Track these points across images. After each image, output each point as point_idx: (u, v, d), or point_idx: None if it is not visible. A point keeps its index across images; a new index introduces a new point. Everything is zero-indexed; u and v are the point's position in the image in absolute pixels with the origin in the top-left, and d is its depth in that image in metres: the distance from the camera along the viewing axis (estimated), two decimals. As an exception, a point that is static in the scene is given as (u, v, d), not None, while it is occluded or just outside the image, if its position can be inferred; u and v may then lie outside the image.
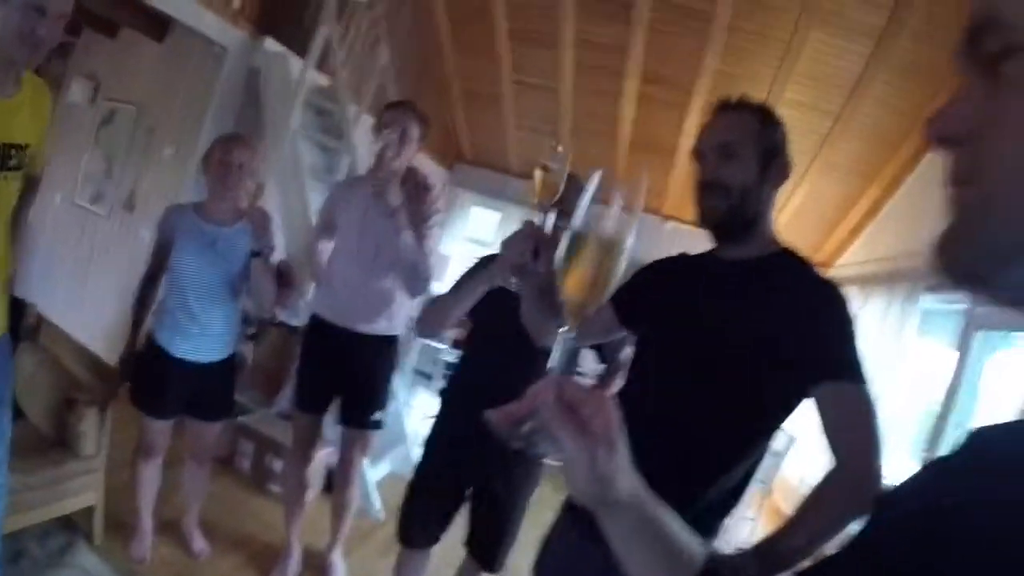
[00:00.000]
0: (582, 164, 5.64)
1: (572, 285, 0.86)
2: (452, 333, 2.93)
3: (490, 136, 7.41)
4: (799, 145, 5.82)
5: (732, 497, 1.65)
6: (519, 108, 6.76)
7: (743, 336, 1.50)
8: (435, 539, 2.59)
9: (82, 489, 2.64)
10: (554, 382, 0.74)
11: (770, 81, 5.52)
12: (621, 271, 0.85)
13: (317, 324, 3.01)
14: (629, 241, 0.84)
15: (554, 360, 2.52)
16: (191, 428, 2.85)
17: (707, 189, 1.61)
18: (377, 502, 3.94)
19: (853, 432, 1.44)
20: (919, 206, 5.52)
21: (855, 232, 6.61)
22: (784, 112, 5.05)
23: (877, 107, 5.31)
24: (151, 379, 2.68)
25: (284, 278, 3.44)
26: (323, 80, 4.68)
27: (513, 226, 7.82)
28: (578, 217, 0.85)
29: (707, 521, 1.63)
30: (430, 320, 2.35)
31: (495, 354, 2.44)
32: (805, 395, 1.50)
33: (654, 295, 1.73)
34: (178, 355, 2.65)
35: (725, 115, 1.65)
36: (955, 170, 0.49)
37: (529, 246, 1.40)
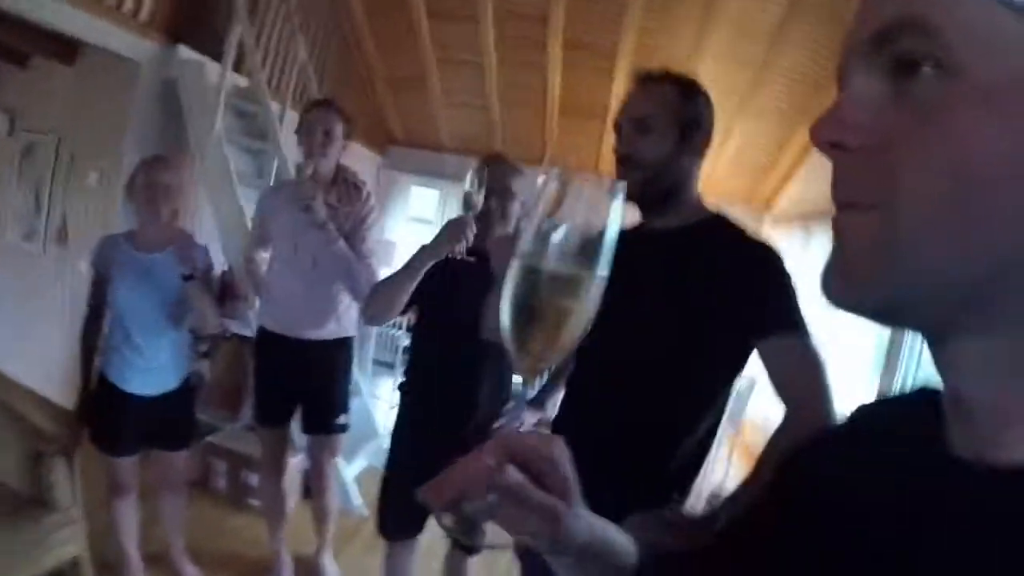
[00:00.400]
0: (512, 134, 5.70)
1: (522, 333, 0.68)
2: (408, 318, 2.92)
3: (420, 116, 7.32)
4: (727, 95, 5.96)
5: (700, 452, 1.70)
6: (446, 85, 6.69)
7: (680, 303, 1.53)
8: (416, 530, 2.63)
9: (64, 542, 2.55)
10: (498, 447, 0.66)
11: (693, 35, 5.55)
12: (589, 315, 0.69)
13: (266, 337, 2.97)
14: (600, 274, 0.67)
15: (506, 412, 2.60)
16: (157, 459, 2.79)
17: (622, 164, 1.64)
18: (358, 498, 3.95)
19: (801, 382, 1.48)
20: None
21: (791, 173, 6.75)
22: (709, 63, 5.15)
23: (800, 52, 5.40)
24: (107, 419, 2.61)
25: (228, 289, 3.38)
26: (242, 81, 4.55)
27: (453, 203, 7.84)
28: (525, 242, 0.65)
29: (679, 479, 1.68)
30: (376, 306, 2.39)
31: (446, 345, 2.47)
32: (750, 352, 1.56)
33: None
34: (130, 391, 2.59)
35: (643, 87, 1.67)
36: (850, 189, 0.46)
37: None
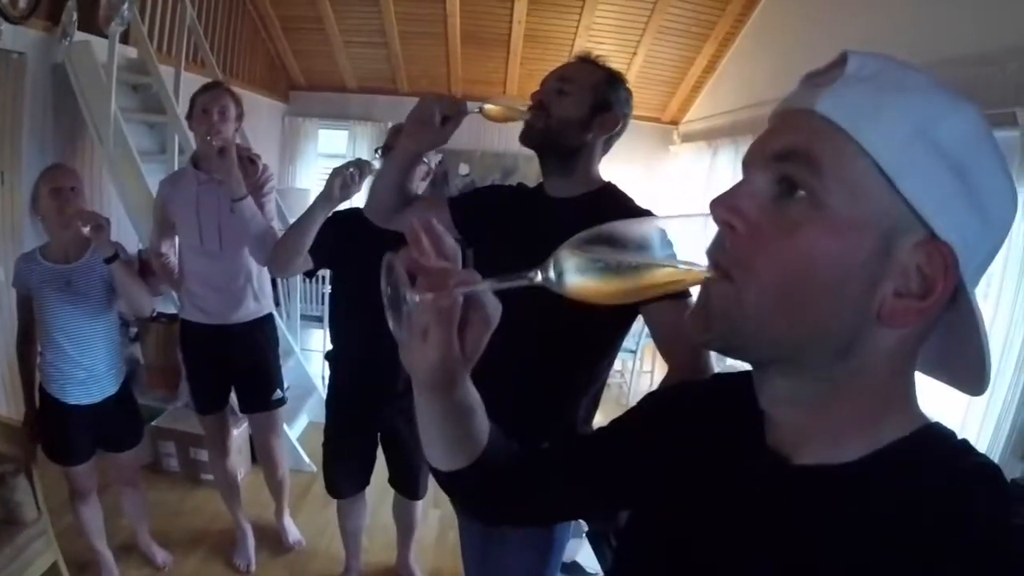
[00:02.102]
0: (415, 68, 5.61)
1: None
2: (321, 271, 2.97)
3: (320, 58, 7.06)
4: (631, 15, 5.99)
5: (596, 400, 1.88)
6: (344, 25, 6.46)
7: None
8: (362, 485, 2.84)
9: (40, 553, 2.54)
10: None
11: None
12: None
13: (190, 328, 2.96)
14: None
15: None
16: (110, 460, 2.78)
17: (534, 110, 1.74)
18: (305, 456, 3.99)
19: (682, 340, 1.60)
20: (753, 59, 5.81)
21: (696, 90, 6.89)
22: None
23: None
24: (56, 432, 2.59)
25: (145, 267, 3.30)
26: (132, 52, 4.30)
27: (363, 143, 7.71)
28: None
29: (584, 415, 1.86)
30: (278, 256, 2.48)
31: (365, 307, 2.52)
32: (635, 312, 1.72)
33: (491, 215, 1.88)
34: (72, 402, 2.55)
35: (578, 63, 1.79)
36: (720, 257, 0.60)
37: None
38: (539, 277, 0.66)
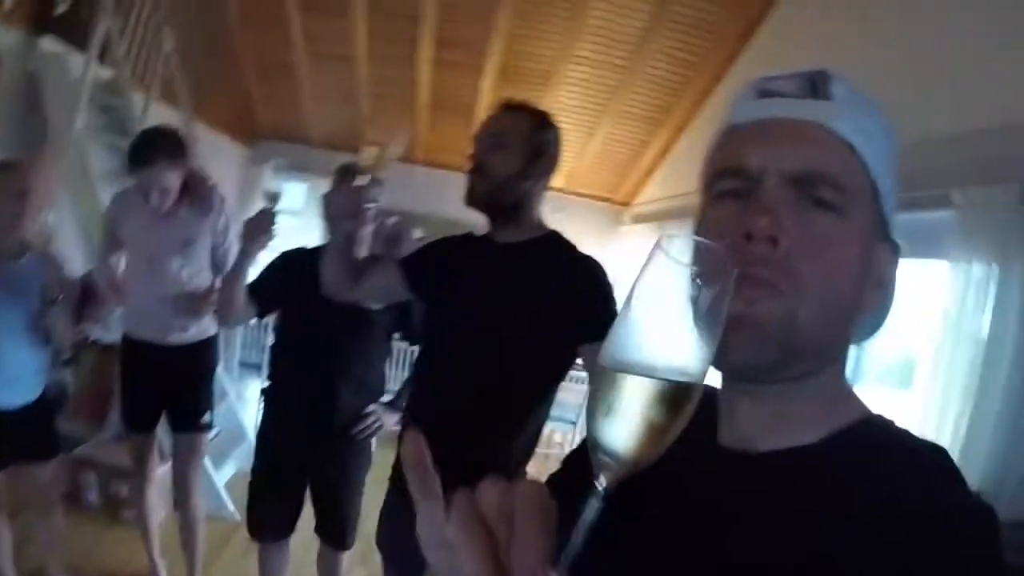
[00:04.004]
0: (381, 129, 5.66)
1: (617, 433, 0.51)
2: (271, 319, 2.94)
3: (288, 109, 7.13)
4: (592, 96, 6.21)
5: (533, 441, 1.93)
6: (315, 79, 6.57)
7: (519, 309, 1.75)
8: (287, 531, 2.74)
9: None
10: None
11: (560, 39, 5.74)
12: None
13: (130, 344, 2.96)
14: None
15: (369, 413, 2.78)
16: (23, 474, 2.66)
17: (475, 172, 1.83)
18: (230, 504, 3.89)
19: None
20: (705, 146, 6.02)
21: (650, 173, 7.12)
22: (575, 67, 5.37)
23: (662, 59, 5.73)
24: None
25: (90, 293, 3.25)
26: (106, 74, 4.30)
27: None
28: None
29: (520, 466, 1.91)
30: (220, 310, 2.55)
31: (305, 348, 2.56)
32: (575, 352, 1.79)
33: (441, 268, 1.94)
34: None
35: (505, 113, 1.88)
36: (769, 275, 0.61)
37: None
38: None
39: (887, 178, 0.67)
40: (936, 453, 0.63)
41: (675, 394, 0.49)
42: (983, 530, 0.57)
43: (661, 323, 0.49)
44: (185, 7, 5.33)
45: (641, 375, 0.49)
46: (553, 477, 0.89)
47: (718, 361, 0.63)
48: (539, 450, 2.00)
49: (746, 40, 5.29)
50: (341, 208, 1.92)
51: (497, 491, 0.45)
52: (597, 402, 0.50)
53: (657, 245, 0.49)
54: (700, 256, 0.49)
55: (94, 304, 3.06)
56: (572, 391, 5.14)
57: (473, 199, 1.84)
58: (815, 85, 0.67)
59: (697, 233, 0.70)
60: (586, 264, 1.83)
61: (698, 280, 0.48)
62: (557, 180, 6.61)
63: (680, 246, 0.49)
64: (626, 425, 0.50)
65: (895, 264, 0.71)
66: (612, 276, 1.83)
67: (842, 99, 0.66)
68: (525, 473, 1.94)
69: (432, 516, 0.48)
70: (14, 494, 2.68)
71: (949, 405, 2.94)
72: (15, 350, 2.48)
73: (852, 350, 0.71)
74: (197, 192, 2.86)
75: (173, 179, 2.70)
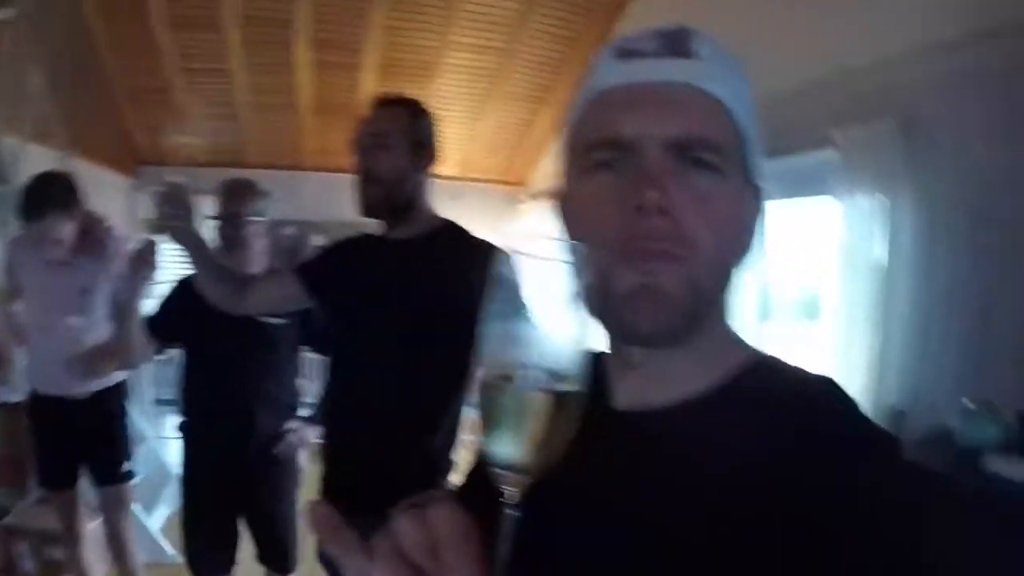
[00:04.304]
0: (265, 140, 5.53)
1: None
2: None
3: (168, 131, 6.82)
4: (475, 82, 6.22)
5: (453, 433, 1.95)
6: (193, 97, 6.30)
7: (422, 302, 1.77)
8: (228, 564, 2.68)
9: None
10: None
11: (437, 28, 5.71)
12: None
13: (36, 399, 2.86)
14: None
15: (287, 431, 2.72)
16: None
17: (364, 181, 1.83)
18: (168, 547, 3.77)
19: None
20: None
21: (540, 151, 7.19)
22: (455, 55, 5.36)
23: (539, 38, 5.80)
24: None
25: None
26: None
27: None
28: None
29: (441, 459, 1.93)
30: (122, 357, 2.52)
31: (215, 376, 2.52)
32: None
33: (338, 272, 1.94)
34: None
35: (379, 110, 1.87)
36: (665, 243, 0.62)
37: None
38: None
39: (751, 127, 0.69)
40: (827, 386, 0.66)
41: (561, 399, 0.48)
42: (885, 456, 0.60)
43: (532, 332, 0.49)
44: (48, 40, 5.03)
45: (522, 386, 0.48)
46: (463, 489, 0.87)
47: (618, 333, 0.69)
48: (466, 437, 2.01)
49: (620, 12, 5.41)
50: (168, 210, 1.82)
51: (414, 525, 0.45)
52: (484, 418, 0.50)
53: (516, 249, 0.50)
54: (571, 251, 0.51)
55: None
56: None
57: (368, 208, 1.84)
58: (677, 43, 0.67)
59: (573, 208, 0.71)
60: (485, 249, 1.85)
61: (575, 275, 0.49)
62: (451, 168, 6.63)
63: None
64: (517, 439, 0.49)
65: (761, 207, 0.73)
66: (513, 256, 1.86)
67: (707, 56, 0.66)
68: (450, 465, 1.95)
69: (358, 568, 0.48)
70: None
71: (855, 334, 3.13)
72: None
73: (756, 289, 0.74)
74: (93, 238, 2.74)
75: (66, 229, 2.61)
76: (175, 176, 1.85)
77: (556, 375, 0.48)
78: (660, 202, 0.61)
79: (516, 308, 0.49)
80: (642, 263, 0.62)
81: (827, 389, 0.65)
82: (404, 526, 0.46)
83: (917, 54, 2.96)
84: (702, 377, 0.68)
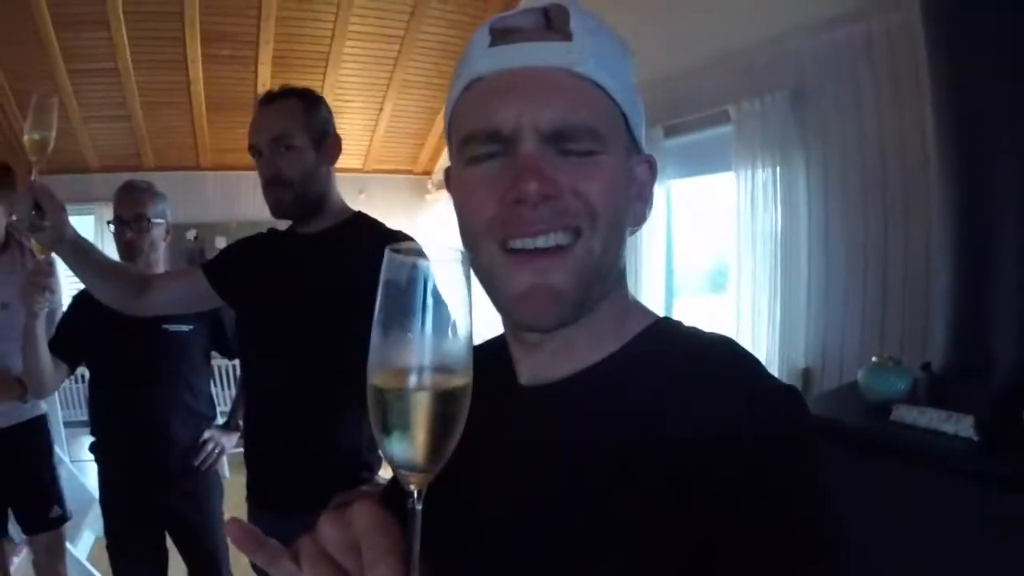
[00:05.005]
0: (162, 140, 5.32)
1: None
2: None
3: (60, 137, 6.41)
4: (373, 71, 6.15)
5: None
6: (83, 98, 6.00)
7: (337, 296, 1.74)
8: None
9: None
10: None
11: (332, 17, 5.67)
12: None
13: None
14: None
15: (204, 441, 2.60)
16: None
17: (271, 185, 1.77)
18: (97, 574, 3.63)
19: None
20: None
21: (442, 139, 7.13)
22: (352, 44, 5.30)
23: (436, 25, 5.83)
24: None
25: None
26: None
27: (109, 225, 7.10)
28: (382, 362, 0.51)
29: (363, 470, 1.88)
30: (31, 385, 2.42)
31: (124, 393, 2.44)
32: None
33: (246, 269, 1.91)
34: None
35: (271, 107, 1.79)
36: (559, 224, 0.63)
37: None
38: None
39: (633, 102, 0.69)
40: (725, 343, 0.67)
41: (448, 398, 0.50)
42: (788, 406, 0.60)
43: (415, 332, 0.49)
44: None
45: (410, 389, 0.49)
46: (392, 482, 0.86)
47: (514, 323, 0.70)
48: None
49: (515, -4, 5.45)
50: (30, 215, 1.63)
51: (335, 526, 0.48)
52: (376, 421, 0.51)
53: (388, 255, 0.51)
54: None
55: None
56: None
57: (283, 211, 1.78)
58: (553, 20, 0.66)
59: (459, 198, 0.70)
60: (396, 238, 1.84)
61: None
62: (355, 160, 6.52)
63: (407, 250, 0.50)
64: (411, 440, 0.50)
65: (652, 175, 0.74)
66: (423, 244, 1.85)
67: (582, 35, 0.65)
68: (375, 460, 1.91)
69: (287, 573, 0.50)
70: None
71: (761, 302, 3.28)
72: None
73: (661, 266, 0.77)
74: (15, 246, 2.58)
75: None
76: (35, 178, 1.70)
77: (446, 371, 0.49)
78: (539, 192, 0.61)
79: (403, 311, 0.49)
80: (532, 261, 0.63)
81: (725, 345, 0.67)
82: (324, 527, 0.48)
83: (804, 28, 3.11)
84: (603, 345, 0.69)
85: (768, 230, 3.29)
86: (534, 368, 0.72)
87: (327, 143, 1.79)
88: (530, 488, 0.65)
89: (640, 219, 0.73)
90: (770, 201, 3.27)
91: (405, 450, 0.50)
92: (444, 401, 0.50)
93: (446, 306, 0.49)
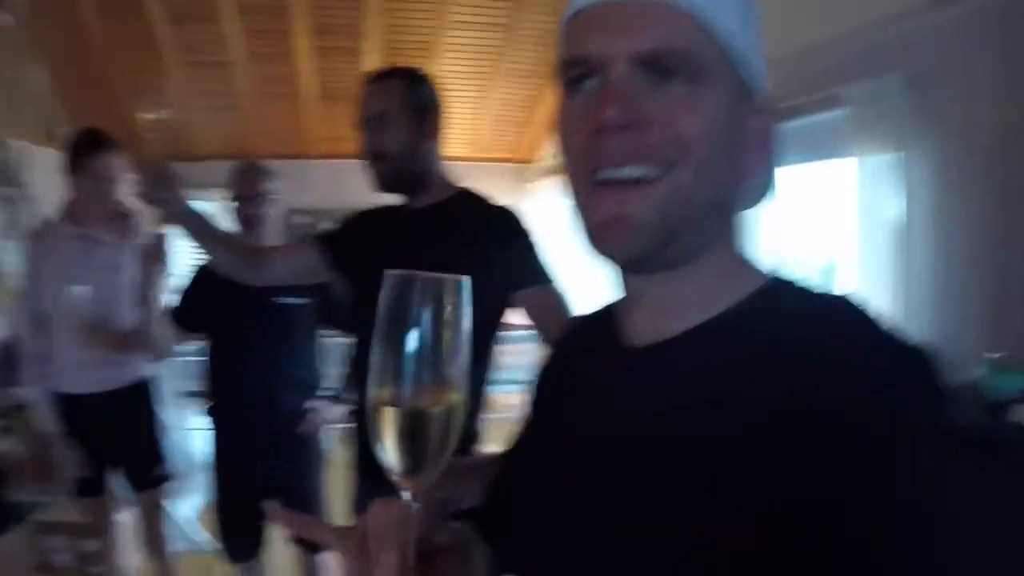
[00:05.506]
0: (271, 130, 5.52)
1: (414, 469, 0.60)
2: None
3: (174, 126, 6.80)
4: (478, 60, 6.19)
5: (478, 398, 1.91)
6: (195, 90, 6.30)
7: (439, 270, 1.73)
8: (256, 547, 2.74)
9: None
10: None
11: (435, 7, 5.69)
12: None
13: (62, 400, 2.75)
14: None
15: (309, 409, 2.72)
16: None
17: (372, 161, 1.81)
18: (202, 536, 3.83)
19: (557, 320, 1.74)
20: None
21: (547, 126, 7.13)
22: (455, 33, 5.34)
23: (543, 12, 5.73)
24: None
25: (12, 355, 3.11)
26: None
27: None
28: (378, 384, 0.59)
29: (466, 427, 1.89)
30: (147, 349, 2.61)
31: (239, 359, 2.53)
32: (507, 303, 1.81)
33: (359, 241, 1.92)
34: None
35: (373, 86, 1.84)
36: (644, 158, 0.60)
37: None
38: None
39: (742, 39, 0.64)
40: (846, 304, 0.63)
41: (442, 413, 0.55)
42: (914, 362, 0.57)
43: (411, 349, 0.55)
44: (51, 41, 5.06)
45: (402, 407, 0.54)
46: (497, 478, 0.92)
47: (593, 253, 0.67)
48: (496, 416, 2.00)
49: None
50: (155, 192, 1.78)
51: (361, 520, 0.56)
52: (373, 432, 0.57)
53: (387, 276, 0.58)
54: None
55: (17, 368, 2.92)
56: (519, 353, 5.16)
57: (384, 185, 1.83)
58: None
59: (556, 133, 0.69)
60: (503, 213, 1.86)
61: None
62: (458, 149, 6.57)
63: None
64: (405, 450, 0.56)
65: (770, 131, 0.68)
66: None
67: None
68: (476, 435, 1.93)
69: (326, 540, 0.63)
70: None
71: (875, 293, 3.10)
72: None
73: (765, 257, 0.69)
74: (122, 217, 2.76)
75: (119, 171, 2.63)
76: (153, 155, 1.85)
77: (442, 387, 0.55)
78: (620, 119, 0.59)
79: (400, 328, 0.56)
80: (608, 194, 0.62)
81: (846, 306, 0.63)
82: (373, 509, 0.58)
83: (919, 6, 2.93)
84: (712, 302, 0.65)
85: (885, 218, 3.12)
86: (639, 328, 0.70)
87: (429, 119, 1.81)
88: (633, 451, 0.63)
89: (755, 173, 0.67)
90: (888, 188, 3.09)
91: (399, 461, 0.57)
92: (437, 416, 0.55)
93: (444, 324, 0.56)
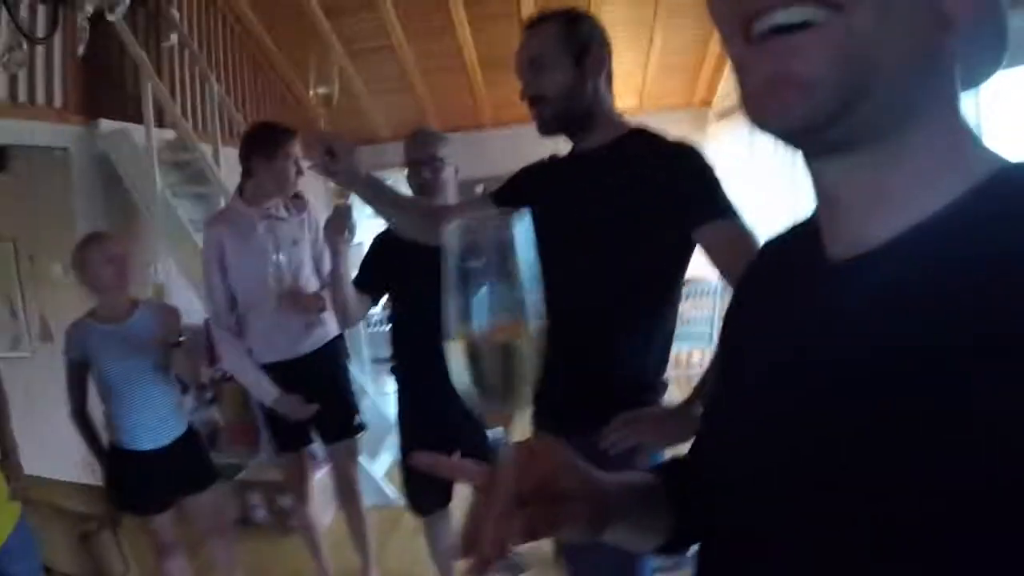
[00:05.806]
0: (443, 104, 5.63)
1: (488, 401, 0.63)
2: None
3: (350, 114, 7.25)
4: (639, 6, 5.97)
5: (665, 346, 1.83)
6: (365, 75, 6.66)
7: (618, 212, 1.66)
8: (446, 500, 2.82)
9: None
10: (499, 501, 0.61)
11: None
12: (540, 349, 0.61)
13: (263, 368, 2.91)
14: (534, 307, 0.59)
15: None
16: (189, 508, 2.85)
17: (533, 104, 1.75)
18: (391, 491, 4.08)
19: (742, 259, 1.60)
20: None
21: (719, 67, 6.80)
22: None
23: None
24: (131, 483, 2.71)
25: (210, 334, 3.42)
26: (169, 134, 4.59)
27: (405, 188, 7.81)
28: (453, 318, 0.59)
29: (654, 377, 1.82)
30: (338, 314, 2.68)
31: (421, 319, 2.60)
32: (691, 244, 1.68)
33: (530, 192, 1.87)
34: (143, 448, 2.67)
35: (531, 32, 1.77)
36: (787, 16, 0.47)
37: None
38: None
39: None
40: None
41: (520, 346, 0.57)
42: None
43: (483, 289, 0.56)
44: (222, 50, 5.53)
45: (475, 343, 0.56)
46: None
47: (764, 129, 0.53)
48: (679, 373, 1.89)
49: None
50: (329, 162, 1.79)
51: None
52: (456, 373, 0.60)
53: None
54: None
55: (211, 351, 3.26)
56: (701, 307, 4.95)
57: (545, 127, 1.78)
58: None
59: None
60: (680, 148, 1.73)
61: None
62: (632, 100, 6.38)
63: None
64: (490, 388, 0.59)
65: None
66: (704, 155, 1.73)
67: None
68: (664, 387, 1.86)
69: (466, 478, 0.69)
70: (190, 528, 2.90)
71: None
72: (154, 395, 2.69)
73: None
74: (297, 194, 3.02)
75: (296, 157, 2.84)
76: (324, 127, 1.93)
77: (517, 321, 0.57)
78: None
79: (467, 271, 0.57)
80: (771, 47, 0.49)
81: None
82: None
83: None
84: (935, 191, 0.51)
85: None
86: (844, 234, 0.56)
87: (589, 57, 1.73)
88: (837, 386, 0.52)
89: (978, 35, 0.51)
90: None
91: (486, 398, 0.60)
92: (517, 349, 0.58)
93: (510, 261, 0.56)
